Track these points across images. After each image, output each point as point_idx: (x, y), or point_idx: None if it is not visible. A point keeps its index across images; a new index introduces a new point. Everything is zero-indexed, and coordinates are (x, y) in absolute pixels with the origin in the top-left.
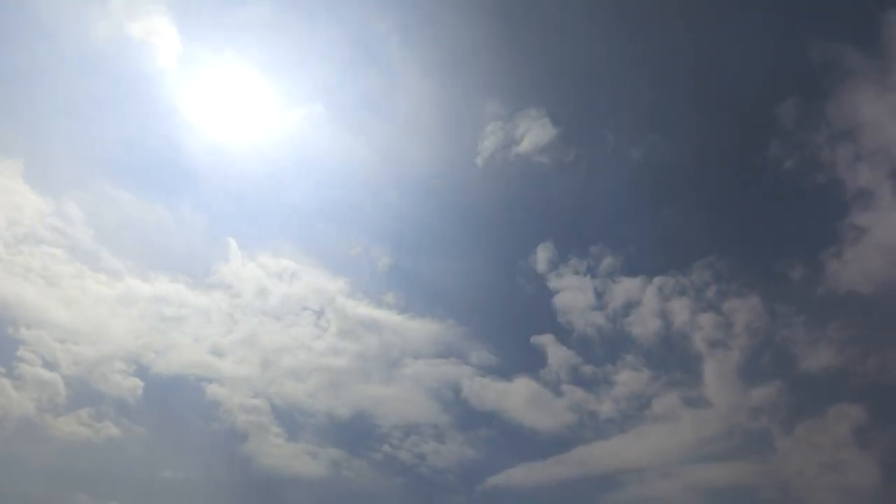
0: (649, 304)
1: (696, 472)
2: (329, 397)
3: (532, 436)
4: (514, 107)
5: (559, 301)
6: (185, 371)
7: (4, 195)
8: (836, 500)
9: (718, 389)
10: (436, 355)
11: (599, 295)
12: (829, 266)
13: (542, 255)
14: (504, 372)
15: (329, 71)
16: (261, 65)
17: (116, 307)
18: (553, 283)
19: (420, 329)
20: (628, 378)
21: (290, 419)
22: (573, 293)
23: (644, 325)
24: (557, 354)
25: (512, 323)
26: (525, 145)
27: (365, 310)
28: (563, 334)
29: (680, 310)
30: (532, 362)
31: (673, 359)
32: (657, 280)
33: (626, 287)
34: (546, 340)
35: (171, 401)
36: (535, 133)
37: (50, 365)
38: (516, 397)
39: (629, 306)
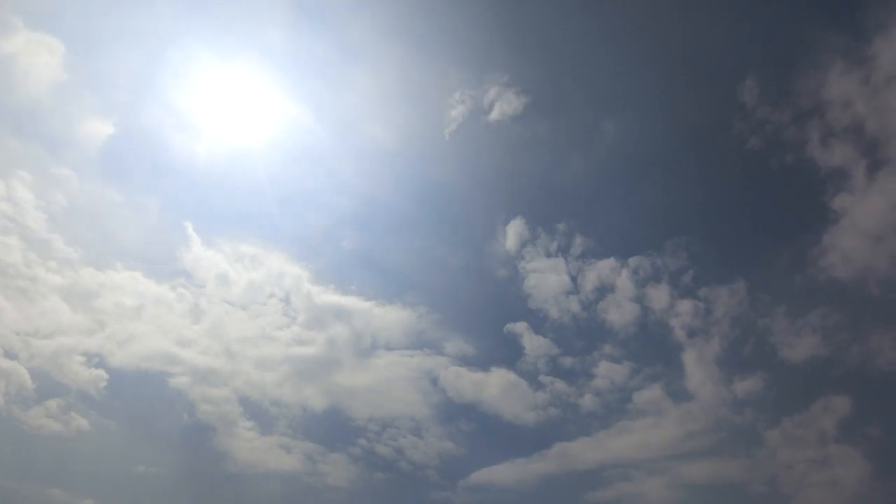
0: (624, 287)
1: (681, 468)
2: (300, 389)
3: (513, 431)
4: (481, 73)
5: (531, 285)
6: (150, 363)
7: None
8: (824, 494)
9: (701, 381)
10: (409, 346)
11: (573, 278)
12: (807, 249)
13: (513, 232)
14: (481, 362)
15: (280, 40)
16: (209, 35)
17: (72, 298)
18: (524, 264)
19: (390, 317)
20: (608, 370)
21: (261, 412)
22: (545, 276)
23: (621, 311)
24: (532, 343)
25: (485, 310)
26: (495, 115)
27: (331, 297)
28: (537, 322)
29: (657, 296)
30: (508, 353)
31: (653, 348)
32: (632, 261)
33: (599, 269)
34: (520, 329)
35: (139, 393)
36: (505, 102)
37: (11, 355)
38: (494, 389)
39: (604, 290)
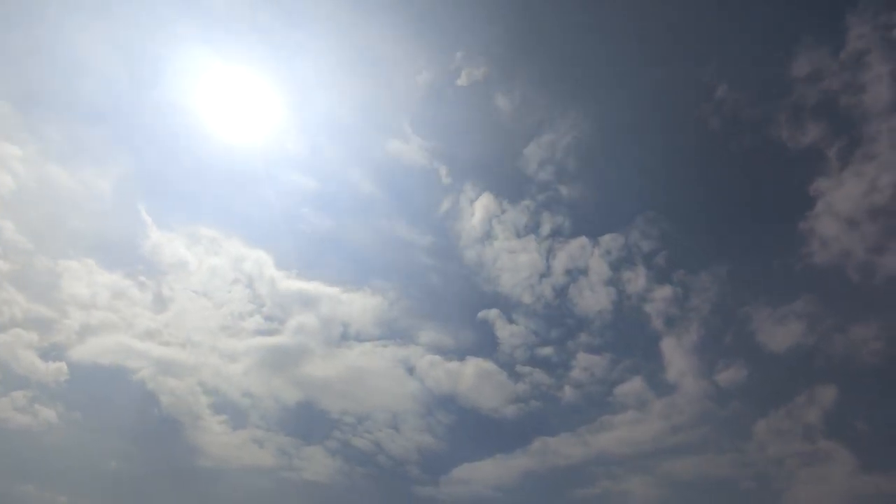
0: (598, 269)
1: (667, 464)
2: (269, 380)
3: (493, 424)
4: (447, 45)
5: (502, 266)
6: (112, 356)
7: None
8: (814, 490)
9: (682, 373)
10: (381, 336)
11: (545, 257)
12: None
13: (481, 207)
14: (456, 351)
15: (224, 6)
16: (153, 5)
17: (25, 288)
18: (494, 243)
19: (359, 304)
20: (587, 361)
21: (231, 405)
22: (516, 256)
23: (596, 296)
24: (506, 332)
25: (456, 295)
26: (462, 82)
27: (295, 283)
28: (510, 307)
29: (633, 279)
30: (483, 341)
31: (631, 337)
32: (604, 239)
33: (571, 249)
34: (492, 316)
35: (102, 387)
36: (470, 74)
37: None
38: (471, 379)
39: (576, 272)
